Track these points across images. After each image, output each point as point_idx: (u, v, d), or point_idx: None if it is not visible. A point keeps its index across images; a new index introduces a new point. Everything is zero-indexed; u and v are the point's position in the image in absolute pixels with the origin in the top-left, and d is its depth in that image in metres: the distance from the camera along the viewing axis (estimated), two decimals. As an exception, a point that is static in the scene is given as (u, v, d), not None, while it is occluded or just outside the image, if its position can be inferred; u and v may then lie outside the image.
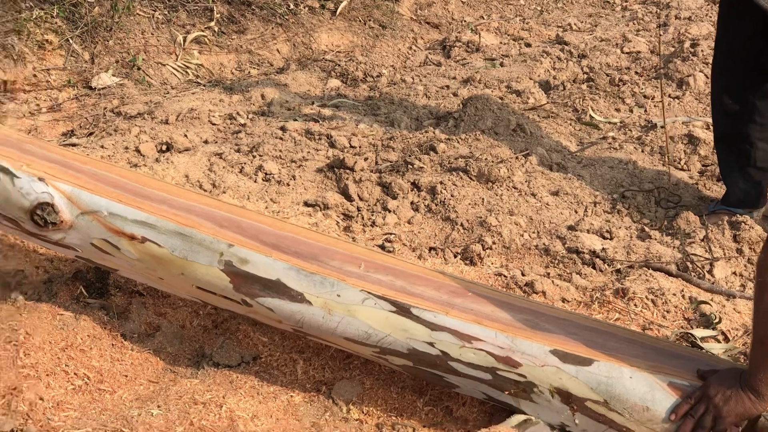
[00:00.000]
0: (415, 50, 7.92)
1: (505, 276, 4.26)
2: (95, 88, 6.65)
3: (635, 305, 4.03)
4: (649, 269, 4.30)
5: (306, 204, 4.91)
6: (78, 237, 3.58)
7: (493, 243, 4.51)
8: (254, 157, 5.32)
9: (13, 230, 3.72)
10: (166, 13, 7.46)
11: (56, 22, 6.85)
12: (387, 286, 3.29)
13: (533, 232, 4.60)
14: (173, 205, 3.55)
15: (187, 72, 7.19)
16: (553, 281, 4.19)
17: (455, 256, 4.49)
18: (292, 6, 8.06)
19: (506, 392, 3.22)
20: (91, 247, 3.57)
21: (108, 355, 3.64)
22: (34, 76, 6.56)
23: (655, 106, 6.05)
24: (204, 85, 7.00)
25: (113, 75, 6.79)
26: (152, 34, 7.27)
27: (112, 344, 3.70)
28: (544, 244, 4.50)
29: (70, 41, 6.83)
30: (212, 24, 7.62)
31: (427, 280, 3.38)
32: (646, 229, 4.65)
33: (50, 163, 3.68)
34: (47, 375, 3.46)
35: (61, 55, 6.78)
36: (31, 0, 6.80)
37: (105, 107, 6.35)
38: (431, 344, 3.20)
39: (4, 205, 3.61)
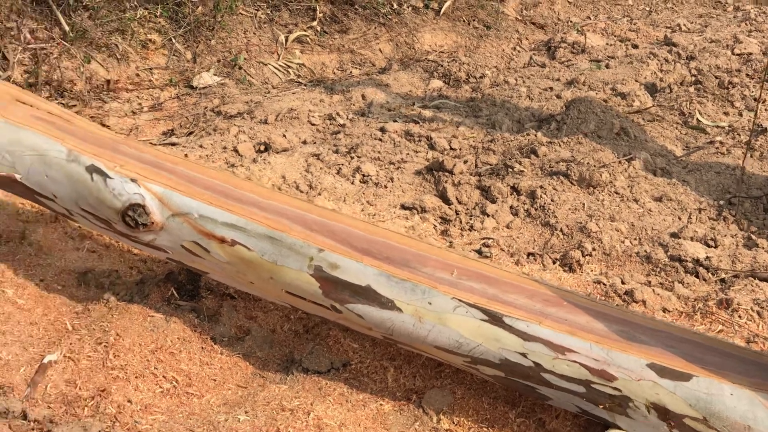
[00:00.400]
0: (519, 51, 7.80)
1: (604, 284, 4.14)
2: (196, 87, 6.66)
3: (739, 317, 3.88)
4: (755, 279, 4.14)
5: (403, 207, 4.83)
6: (168, 239, 3.55)
7: (593, 249, 4.40)
8: (352, 158, 5.27)
9: (105, 231, 3.72)
10: (269, 12, 7.45)
11: (160, 22, 6.89)
12: (479, 293, 3.19)
13: (635, 239, 4.47)
14: (264, 207, 3.50)
15: (288, 71, 7.18)
16: (653, 290, 4.06)
17: (554, 263, 4.38)
18: (395, 5, 8.00)
19: (600, 406, 3.11)
20: (182, 249, 3.54)
21: (197, 359, 3.60)
22: (137, 75, 6.60)
23: (766, 110, 5.86)
24: (305, 85, 6.98)
25: (215, 74, 6.80)
26: (254, 33, 7.26)
27: (202, 347, 3.66)
28: (645, 251, 4.37)
29: (173, 41, 6.85)
30: (315, 23, 7.60)
31: (521, 288, 3.27)
32: (753, 237, 4.48)
33: (143, 164, 3.66)
34: (136, 377, 3.43)
35: (163, 55, 6.81)
36: (136, 0, 6.82)
37: (205, 106, 6.35)
38: (524, 355, 3.10)
39: (97, 205, 3.60)
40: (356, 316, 3.30)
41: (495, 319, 3.11)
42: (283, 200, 3.60)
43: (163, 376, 3.48)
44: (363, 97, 6.47)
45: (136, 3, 6.83)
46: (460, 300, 3.15)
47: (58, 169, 3.67)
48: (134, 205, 3.51)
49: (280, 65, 7.18)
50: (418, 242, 3.46)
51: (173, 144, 5.64)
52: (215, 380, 3.54)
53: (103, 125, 6.04)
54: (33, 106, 4.02)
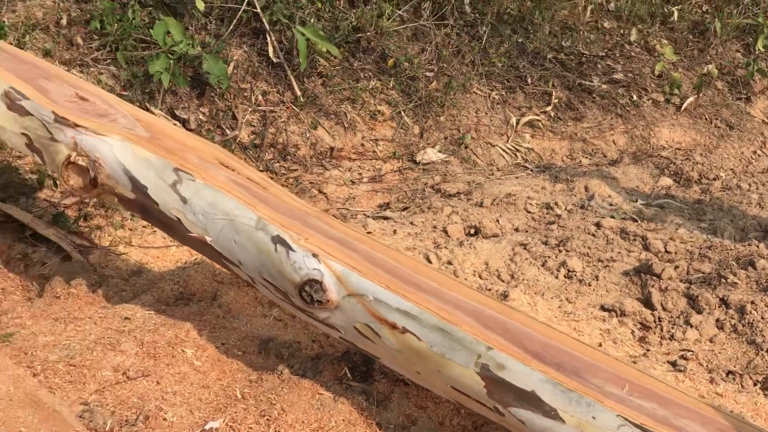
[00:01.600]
0: (760, 155, 7.49)
1: (803, 415, 3.86)
2: (419, 162, 6.65)
3: None
4: None
5: (603, 308, 4.65)
6: (342, 318, 3.50)
7: (799, 376, 4.11)
8: (560, 251, 5.12)
9: (283, 303, 3.70)
10: (503, 93, 7.39)
11: (391, 94, 6.92)
12: (647, 414, 3.00)
13: None
14: (442, 297, 3.40)
15: (515, 155, 7.09)
16: None
17: (754, 385, 4.12)
18: (635, 97, 7.82)
19: None
20: (354, 330, 3.48)
21: (359, 444, 3.52)
22: (362, 145, 6.64)
23: None
24: (531, 170, 6.87)
25: (440, 151, 6.78)
26: (486, 113, 7.22)
27: (366, 432, 3.58)
28: None
29: (402, 114, 6.87)
30: (549, 108, 7.50)
31: (695, 413, 3.06)
32: None
33: (329, 240, 3.63)
34: (292, 457, 3.38)
35: (391, 127, 6.84)
36: (370, 70, 6.89)
37: (426, 182, 6.32)
38: (687, 489, 2.89)
39: (277, 276, 3.59)
40: (518, 421, 3.15)
41: (661, 445, 2.92)
42: (463, 291, 3.49)
43: (321, 458, 3.41)
44: (586, 188, 6.31)
45: (370, 74, 6.89)
46: (625, 418, 2.97)
47: (246, 236, 3.68)
48: (312, 280, 3.48)
49: (508, 148, 7.10)
50: (594, 350, 3.29)
51: (386, 218, 5.62)
52: (372, 469, 3.46)
53: (320, 192, 6.10)
54: (234, 170, 4.06)
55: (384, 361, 3.56)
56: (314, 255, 3.51)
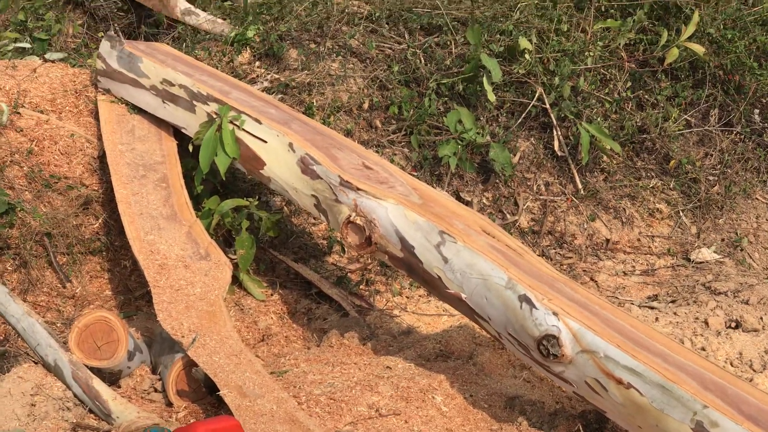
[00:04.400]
0: None
1: None
2: (693, 260, 6.80)
3: None
4: None
5: None
6: (575, 373, 3.79)
7: None
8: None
9: (523, 355, 4.02)
10: (790, 201, 7.46)
11: (671, 194, 7.12)
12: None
13: None
14: (668, 360, 3.65)
15: (797, 262, 7.13)
16: None
17: None
18: None
19: None
20: (585, 384, 3.76)
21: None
22: (638, 240, 6.86)
23: None
24: (812, 278, 6.89)
25: (714, 252, 6.90)
26: (766, 219, 7.29)
27: (590, 483, 3.83)
28: None
29: (680, 214, 7.06)
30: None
31: None
32: None
33: (570, 302, 3.94)
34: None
35: (668, 225, 7.03)
36: (652, 170, 7.13)
37: (697, 280, 6.47)
38: None
39: (520, 331, 3.93)
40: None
41: None
42: (691, 357, 3.72)
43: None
44: None
45: (652, 173, 7.13)
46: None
47: (496, 294, 4.04)
48: (550, 335, 3.80)
49: (787, 254, 7.15)
50: (809, 421, 3.44)
51: (651, 307, 5.83)
52: None
53: (592, 279, 6.37)
54: (495, 237, 4.44)
55: (609, 415, 3.81)
56: (554, 313, 3.83)
